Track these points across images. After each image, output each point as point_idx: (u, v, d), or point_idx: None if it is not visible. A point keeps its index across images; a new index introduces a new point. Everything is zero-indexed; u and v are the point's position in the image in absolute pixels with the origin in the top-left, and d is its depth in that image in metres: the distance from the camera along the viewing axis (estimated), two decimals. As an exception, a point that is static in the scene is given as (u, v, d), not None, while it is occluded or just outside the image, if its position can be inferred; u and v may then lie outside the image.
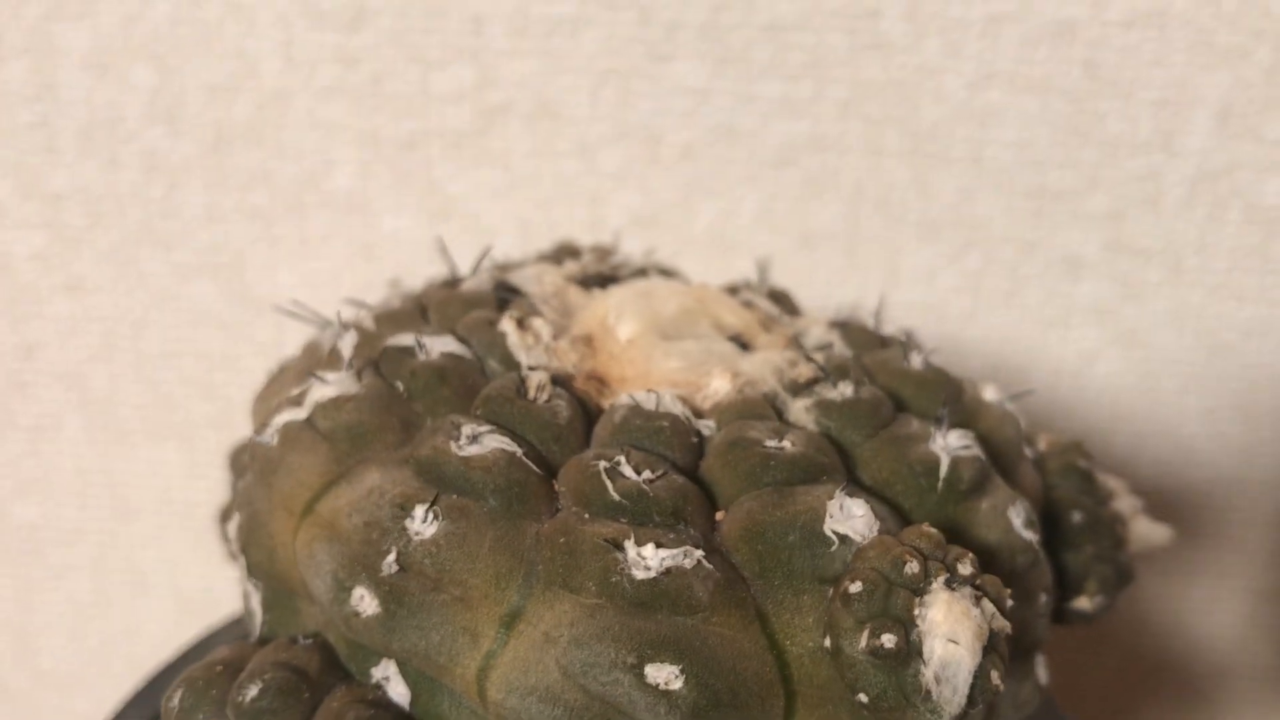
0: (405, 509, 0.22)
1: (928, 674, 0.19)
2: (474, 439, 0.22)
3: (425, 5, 0.49)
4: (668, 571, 0.20)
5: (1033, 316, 0.54)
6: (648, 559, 0.20)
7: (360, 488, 0.22)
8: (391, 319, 0.27)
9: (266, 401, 0.27)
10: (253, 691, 0.21)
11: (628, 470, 0.22)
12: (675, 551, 0.21)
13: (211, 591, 0.61)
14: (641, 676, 0.20)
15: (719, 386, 0.25)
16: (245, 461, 0.27)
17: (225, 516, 0.31)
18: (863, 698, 0.20)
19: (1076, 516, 0.28)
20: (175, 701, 0.22)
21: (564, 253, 0.32)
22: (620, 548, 0.21)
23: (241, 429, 0.57)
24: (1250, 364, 0.55)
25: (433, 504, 0.21)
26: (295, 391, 0.25)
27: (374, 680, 0.23)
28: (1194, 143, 0.51)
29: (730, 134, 0.51)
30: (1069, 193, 0.52)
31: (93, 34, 0.50)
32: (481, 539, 0.21)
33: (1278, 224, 0.52)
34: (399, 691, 0.23)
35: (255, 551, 0.24)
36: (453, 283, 0.29)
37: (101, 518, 0.60)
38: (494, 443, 0.22)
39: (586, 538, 0.21)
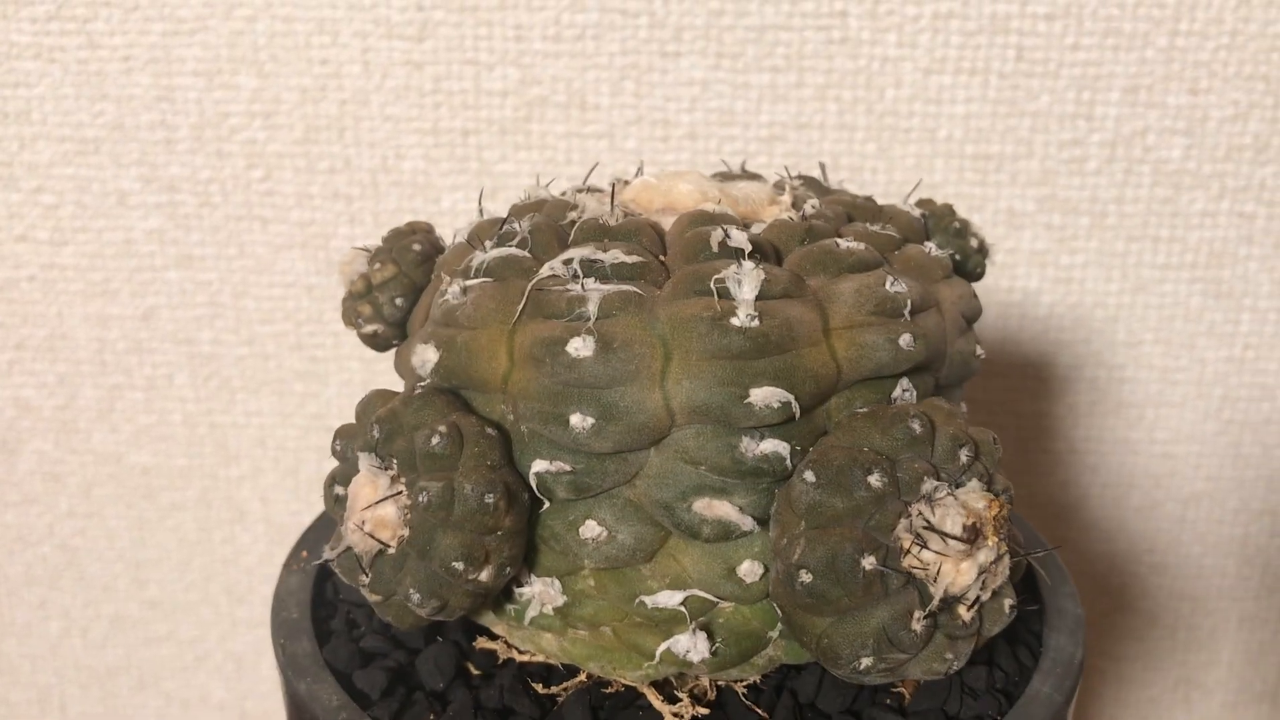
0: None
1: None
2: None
3: (477, 18, 0.61)
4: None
5: (984, 262, 0.65)
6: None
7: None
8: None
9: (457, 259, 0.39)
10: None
11: (731, 233, 0.36)
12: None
13: (300, 519, 0.71)
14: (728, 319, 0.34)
15: (778, 209, 0.39)
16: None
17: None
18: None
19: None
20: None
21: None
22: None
23: (327, 380, 0.68)
24: (1167, 298, 0.66)
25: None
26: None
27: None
28: (1110, 112, 0.62)
29: (728, 116, 0.62)
30: (1008, 157, 0.63)
31: (204, 47, 0.61)
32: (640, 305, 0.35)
33: (1183, 179, 0.63)
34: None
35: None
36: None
37: (205, 461, 0.70)
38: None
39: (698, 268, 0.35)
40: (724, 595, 0.36)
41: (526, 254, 0.36)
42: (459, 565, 0.34)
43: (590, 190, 0.41)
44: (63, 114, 0.63)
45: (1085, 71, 0.61)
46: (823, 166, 0.46)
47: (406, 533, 0.34)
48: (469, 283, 0.36)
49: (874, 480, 0.32)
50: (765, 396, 0.33)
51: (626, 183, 0.41)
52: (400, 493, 0.35)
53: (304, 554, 0.46)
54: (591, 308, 0.34)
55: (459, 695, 0.39)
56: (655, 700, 0.38)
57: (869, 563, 0.32)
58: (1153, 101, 0.62)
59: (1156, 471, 0.70)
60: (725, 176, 0.42)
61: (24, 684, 0.77)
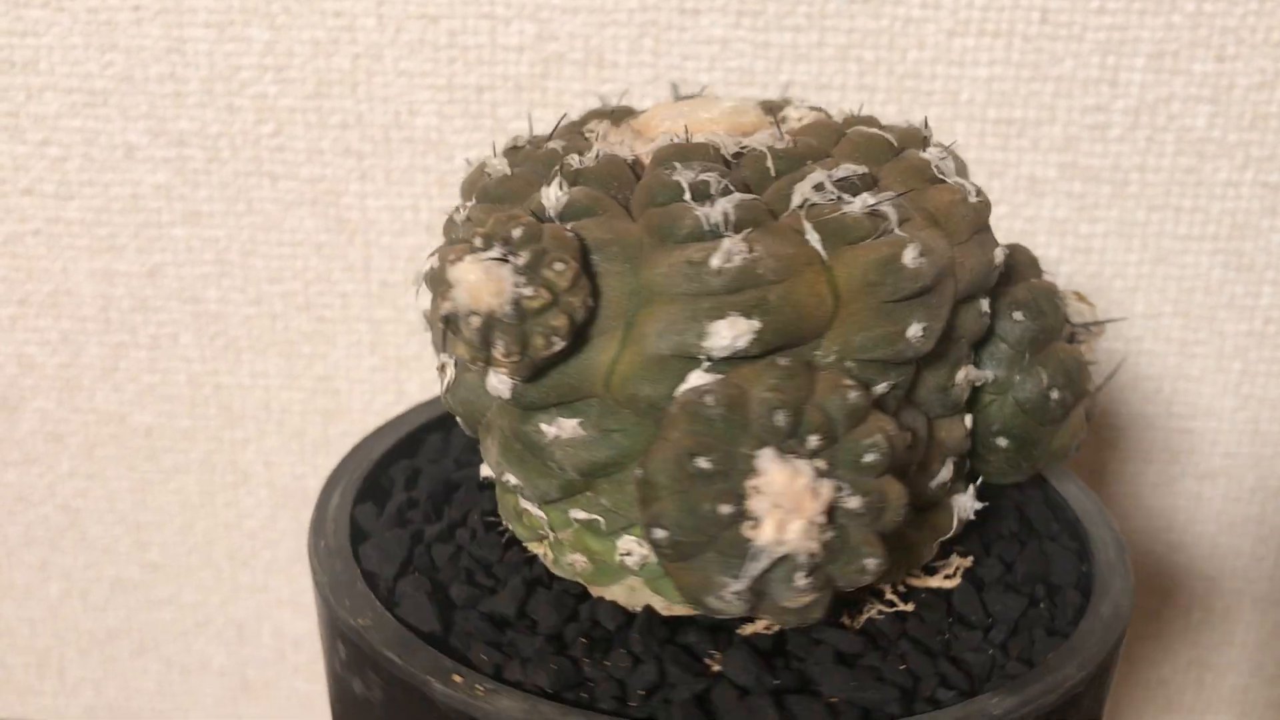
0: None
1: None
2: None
3: (493, -29, 0.60)
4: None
5: (1003, 230, 0.64)
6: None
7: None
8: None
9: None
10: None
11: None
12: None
13: (304, 483, 0.70)
14: None
15: (798, 114, 0.41)
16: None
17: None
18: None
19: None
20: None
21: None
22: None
23: (334, 340, 0.67)
24: (1187, 270, 0.65)
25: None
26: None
27: None
28: (1135, 78, 0.61)
29: (748, 76, 0.61)
30: (1031, 123, 0.62)
31: (216, -1, 0.61)
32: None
33: (1206, 148, 0.62)
34: None
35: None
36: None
37: (209, 423, 0.69)
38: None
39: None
40: (962, 453, 0.39)
41: (752, 195, 0.35)
42: (907, 512, 0.33)
43: (587, 129, 0.41)
44: (71, 64, 0.62)
45: (1110, 36, 0.60)
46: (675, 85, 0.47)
47: (853, 502, 0.32)
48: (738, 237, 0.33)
49: (1057, 302, 0.40)
50: (999, 257, 0.38)
51: (629, 114, 0.41)
52: (825, 468, 0.32)
53: (456, 678, 0.36)
54: (894, 220, 0.34)
55: (782, 676, 0.37)
56: (926, 582, 0.42)
57: (1082, 366, 0.39)
58: (1178, 68, 0.61)
59: (1174, 447, 0.69)
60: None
61: (22, 647, 0.76)
